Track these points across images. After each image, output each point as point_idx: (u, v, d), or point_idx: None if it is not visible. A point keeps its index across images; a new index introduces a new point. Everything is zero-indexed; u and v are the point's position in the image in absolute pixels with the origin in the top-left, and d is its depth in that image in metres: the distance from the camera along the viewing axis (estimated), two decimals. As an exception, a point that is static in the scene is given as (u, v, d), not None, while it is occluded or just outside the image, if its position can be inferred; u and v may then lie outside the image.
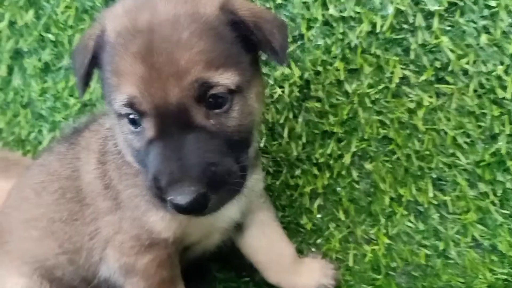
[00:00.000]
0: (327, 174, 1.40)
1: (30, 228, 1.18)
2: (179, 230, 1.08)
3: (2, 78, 1.62)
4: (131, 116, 0.91)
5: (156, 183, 0.87)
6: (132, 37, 0.88)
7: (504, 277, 1.23)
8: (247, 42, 0.93)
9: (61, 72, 1.55)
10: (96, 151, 1.14)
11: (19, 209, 1.22)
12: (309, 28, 1.33)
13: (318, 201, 1.41)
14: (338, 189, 1.40)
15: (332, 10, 1.30)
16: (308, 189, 1.41)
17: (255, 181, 1.16)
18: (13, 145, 1.68)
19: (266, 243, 1.29)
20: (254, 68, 0.97)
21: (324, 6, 1.31)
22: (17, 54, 1.59)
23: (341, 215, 1.40)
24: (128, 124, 0.92)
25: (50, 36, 1.53)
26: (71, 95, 1.55)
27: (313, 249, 1.41)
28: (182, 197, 0.84)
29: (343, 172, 1.38)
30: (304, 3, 1.32)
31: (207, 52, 0.86)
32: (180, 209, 0.86)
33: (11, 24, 1.57)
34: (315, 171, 1.40)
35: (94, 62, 0.96)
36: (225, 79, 0.88)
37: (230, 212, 1.15)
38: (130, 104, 0.88)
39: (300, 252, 1.39)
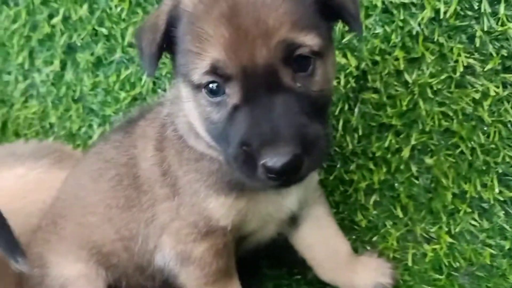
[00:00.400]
0: (384, 169, 1.35)
1: (87, 214, 1.18)
2: (237, 218, 1.05)
3: (55, 73, 1.66)
4: (211, 86, 0.90)
5: (246, 148, 0.85)
6: (214, 2, 0.88)
7: None
8: (324, 10, 0.93)
9: (113, 66, 1.57)
10: (153, 138, 1.13)
11: (76, 196, 1.22)
12: (367, 16, 1.30)
13: (374, 197, 1.37)
14: (396, 184, 1.35)
15: (392, -3, 1.26)
16: (363, 184, 1.36)
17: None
18: (64, 139, 1.70)
19: (320, 238, 1.25)
20: (330, 36, 0.97)
21: (384, -7, 1.28)
22: (70, 49, 1.62)
23: (399, 212, 1.34)
24: (206, 95, 0.91)
25: (103, 30, 1.55)
26: (121, 89, 1.57)
27: (368, 248, 1.36)
28: (278, 159, 0.82)
29: (402, 167, 1.33)
30: (363, -10, 1.29)
31: (292, 13, 0.87)
32: (275, 172, 0.83)
33: (65, 19, 1.60)
34: (371, 166, 1.35)
35: (165, 39, 0.95)
36: (310, 40, 0.88)
37: (288, 201, 1.12)
38: (214, 69, 0.87)
39: (354, 250, 1.33)
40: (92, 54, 1.58)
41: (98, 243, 1.17)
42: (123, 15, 1.50)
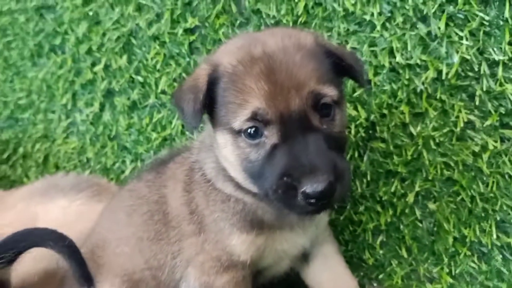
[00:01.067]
0: (390, 212, 1.46)
1: (121, 245, 1.32)
2: (256, 253, 1.18)
3: (94, 113, 1.84)
4: (250, 130, 1.05)
5: (287, 179, 1.00)
6: (252, 63, 1.05)
7: None
8: (337, 68, 1.11)
9: (147, 109, 1.74)
10: (182, 181, 1.27)
11: (112, 229, 1.37)
12: (376, 74, 1.43)
13: (381, 238, 1.48)
14: (401, 227, 1.45)
15: (399, 58, 1.39)
16: (371, 225, 1.48)
17: (323, 213, 1.26)
18: (98, 173, 1.87)
19: (330, 275, 1.36)
20: (342, 89, 1.15)
21: (391, 54, 1.41)
22: (109, 93, 1.81)
23: (404, 253, 1.45)
24: (246, 139, 1.07)
25: (139, 78, 1.73)
26: (153, 130, 1.73)
27: (375, 284, 1.46)
28: (317, 185, 0.98)
29: (407, 211, 1.44)
30: (372, 51, 1.42)
31: (317, 70, 1.06)
32: (314, 197, 0.98)
33: (106, 67, 1.78)
34: (379, 208, 1.47)
35: (207, 97, 1.09)
36: (330, 91, 1.06)
37: (301, 239, 1.25)
38: (254, 116, 1.04)
39: (362, 286, 1.44)
40: (128, 98, 1.76)
41: (130, 271, 1.30)
42: (158, 66, 1.68)
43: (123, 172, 1.81)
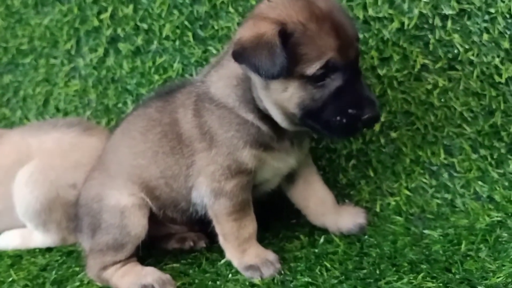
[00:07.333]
0: (360, 140, 1.74)
1: (138, 158, 1.51)
2: (258, 165, 1.44)
3: (98, 58, 2.00)
4: (320, 75, 1.29)
5: (351, 111, 1.30)
6: (321, 22, 1.28)
7: (498, 219, 1.52)
8: None
9: (150, 54, 1.92)
10: (191, 108, 1.47)
11: (128, 145, 1.55)
12: (352, 24, 1.72)
13: (352, 162, 1.76)
14: (369, 152, 1.74)
15: (370, 11, 1.69)
16: (344, 152, 1.76)
17: (306, 141, 1.55)
18: (99, 114, 2.03)
19: (311, 191, 1.61)
20: None
21: (364, 8, 1.70)
22: (113, 40, 1.97)
23: (371, 173, 1.74)
24: (313, 83, 1.30)
25: (144, 25, 1.91)
26: (155, 73, 1.92)
27: (346, 200, 1.73)
28: (374, 113, 1.31)
29: (373, 138, 1.73)
30: (349, 5, 1.71)
31: (355, 26, 1.38)
32: (372, 121, 1.34)
33: (112, 15, 1.95)
34: (351, 137, 1.75)
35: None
36: None
37: (291, 159, 1.50)
38: (328, 64, 1.28)
39: (337, 202, 1.70)
40: (132, 44, 1.93)
41: (146, 179, 1.50)
42: (162, 15, 1.87)
43: (123, 112, 1.98)
